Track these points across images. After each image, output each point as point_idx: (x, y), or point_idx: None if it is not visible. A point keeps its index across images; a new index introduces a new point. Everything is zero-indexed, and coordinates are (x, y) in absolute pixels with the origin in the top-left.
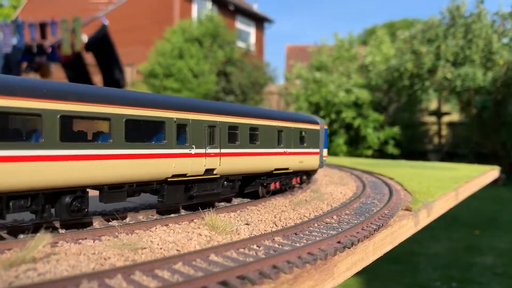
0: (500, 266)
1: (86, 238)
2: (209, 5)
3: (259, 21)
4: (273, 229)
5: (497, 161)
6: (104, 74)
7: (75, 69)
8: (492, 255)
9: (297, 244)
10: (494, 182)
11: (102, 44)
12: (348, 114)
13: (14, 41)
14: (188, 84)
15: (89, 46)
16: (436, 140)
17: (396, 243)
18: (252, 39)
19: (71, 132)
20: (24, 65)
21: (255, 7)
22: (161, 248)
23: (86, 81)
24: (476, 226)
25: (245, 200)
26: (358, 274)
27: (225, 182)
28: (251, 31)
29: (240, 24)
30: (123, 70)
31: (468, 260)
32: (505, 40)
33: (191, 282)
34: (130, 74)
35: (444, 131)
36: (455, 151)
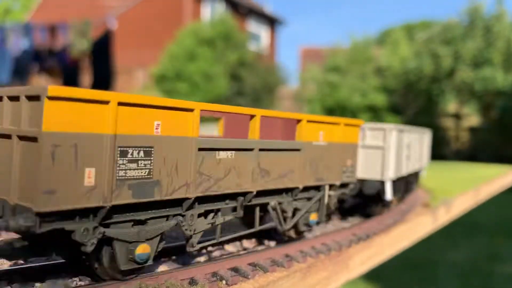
0: None
1: None
2: (221, 6)
3: (272, 22)
4: None
5: None
6: (96, 75)
7: (72, 69)
8: None
9: (310, 235)
10: None
11: (105, 46)
12: (363, 118)
13: (24, 44)
14: (199, 87)
15: (94, 48)
16: (455, 143)
17: (413, 238)
18: (265, 40)
19: None
20: (36, 68)
21: (268, 9)
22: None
23: (74, 79)
24: (498, 233)
25: None
26: (376, 280)
27: None
28: (264, 32)
29: (253, 26)
30: (112, 73)
31: (489, 268)
32: None
33: (204, 267)
34: (142, 77)
35: (464, 134)
36: (475, 155)
